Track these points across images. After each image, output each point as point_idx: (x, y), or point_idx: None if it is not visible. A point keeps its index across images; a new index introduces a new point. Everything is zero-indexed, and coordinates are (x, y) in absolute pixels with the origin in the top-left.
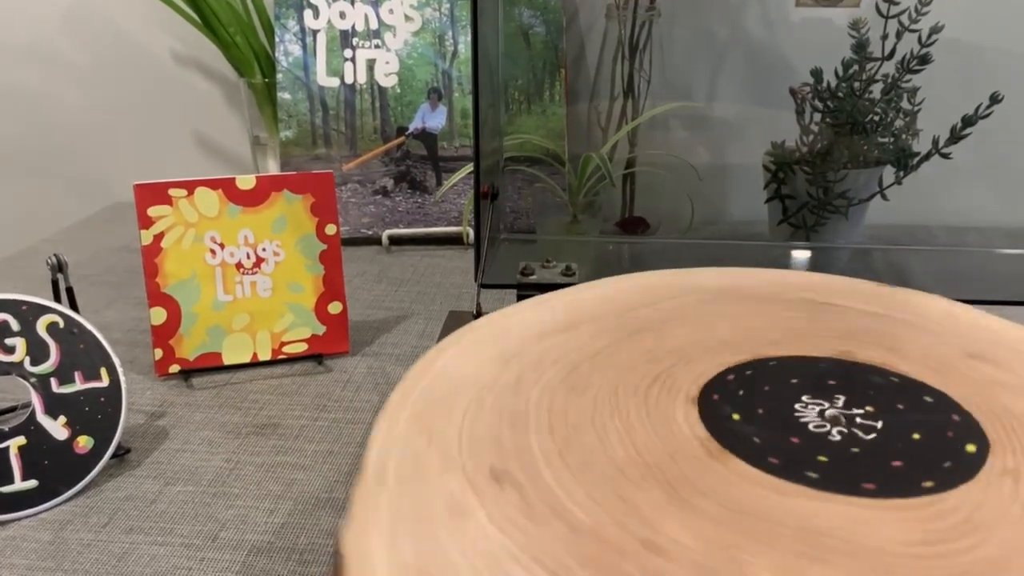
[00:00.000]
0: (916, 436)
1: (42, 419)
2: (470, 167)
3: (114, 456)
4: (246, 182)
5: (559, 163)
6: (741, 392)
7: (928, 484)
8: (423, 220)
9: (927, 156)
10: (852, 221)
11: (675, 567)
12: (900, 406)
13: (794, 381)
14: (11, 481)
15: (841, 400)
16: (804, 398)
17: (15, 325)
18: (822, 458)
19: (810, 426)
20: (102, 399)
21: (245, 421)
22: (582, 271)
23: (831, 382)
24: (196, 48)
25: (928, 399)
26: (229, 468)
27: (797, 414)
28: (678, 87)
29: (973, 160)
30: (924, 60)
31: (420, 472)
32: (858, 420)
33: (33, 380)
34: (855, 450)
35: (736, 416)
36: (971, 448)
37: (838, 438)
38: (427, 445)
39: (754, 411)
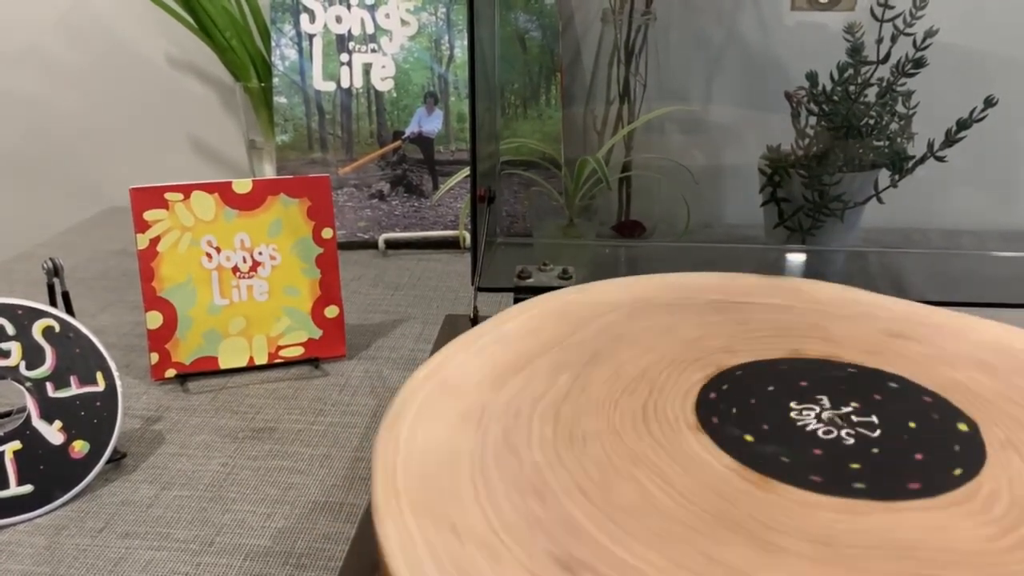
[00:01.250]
0: (912, 424)
1: (37, 424)
2: (466, 171)
3: (110, 461)
4: (242, 186)
5: (555, 167)
6: (734, 410)
7: (957, 472)
8: (419, 224)
9: (922, 159)
10: (847, 224)
11: None
12: (876, 396)
13: (771, 388)
14: (6, 486)
15: (825, 400)
16: (792, 404)
17: (10, 329)
18: (854, 465)
19: (819, 433)
20: (98, 403)
21: (242, 425)
22: (578, 274)
23: (803, 383)
24: (192, 52)
25: (893, 385)
26: (226, 472)
27: (799, 423)
28: (674, 91)
29: (968, 163)
30: (919, 64)
31: None
32: (854, 419)
33: (28, 384)
34: (875, 451)
35: (749, 438)
36: (963, 427)
37: (851, 441)
38: (459, 544)
39: (760, 428)
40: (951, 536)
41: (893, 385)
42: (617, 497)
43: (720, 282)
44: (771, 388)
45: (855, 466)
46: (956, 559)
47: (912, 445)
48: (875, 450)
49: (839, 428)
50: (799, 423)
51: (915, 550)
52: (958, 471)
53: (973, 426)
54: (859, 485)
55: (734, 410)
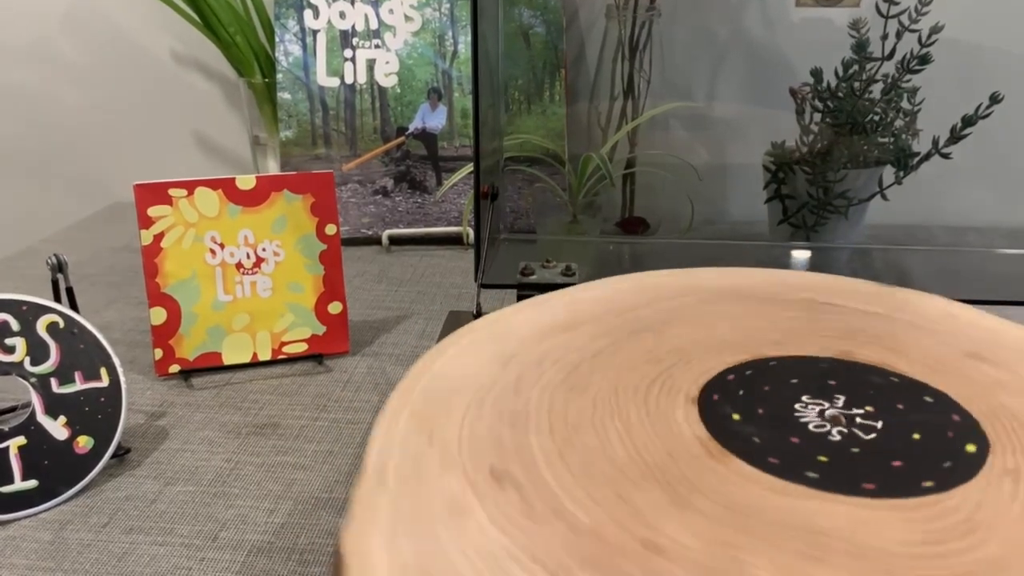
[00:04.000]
0: (916, 436)
1: (42, 419)
2: (470, 167)
3: (114, 456)
4: (246, 182)
5: (559, 163)
6: (741, 392)
7: (928, 484)
8: (423, 220)
9: (927, 156)
10: (852, 221)
11: (675, 567)
12: (900, 406)
13: (794, 381)
14: (11, 481)
15: (841, 400)
16: (804, 398)
17: (15, 325)
18: (822, 458)
19: (810, 426)
20: (102, 399)
21: (245, 421)
22: (582, 271)
23: (831, 382)
24: (196, 48)
25: (928, 399)
26: (229, 468)
27: (797, 414)
28: (678, 87)
29: (973, 160)
30: (924, 60)
31: (420, 472)
32: (858, 420)
33: (33, 380)
34: (855, 450)
35: (736, 416)
36: (971, 448)
37: (838, 438)
38: (427, 445)
39: (754, 411)
40: (869, 532)
41: (928, 399)
42: (577, 439)
43: (828, 283)
44: (794, 381)
45: (822, 459)
46: (854, 550)
47: (898, 453)
48: (855, 450)
49: (834, 425)
50: (797, 414)
51: (821, 536)
52: (929, 483)
53: (984, 449)
54: (812, 475)
55: (741, 392)
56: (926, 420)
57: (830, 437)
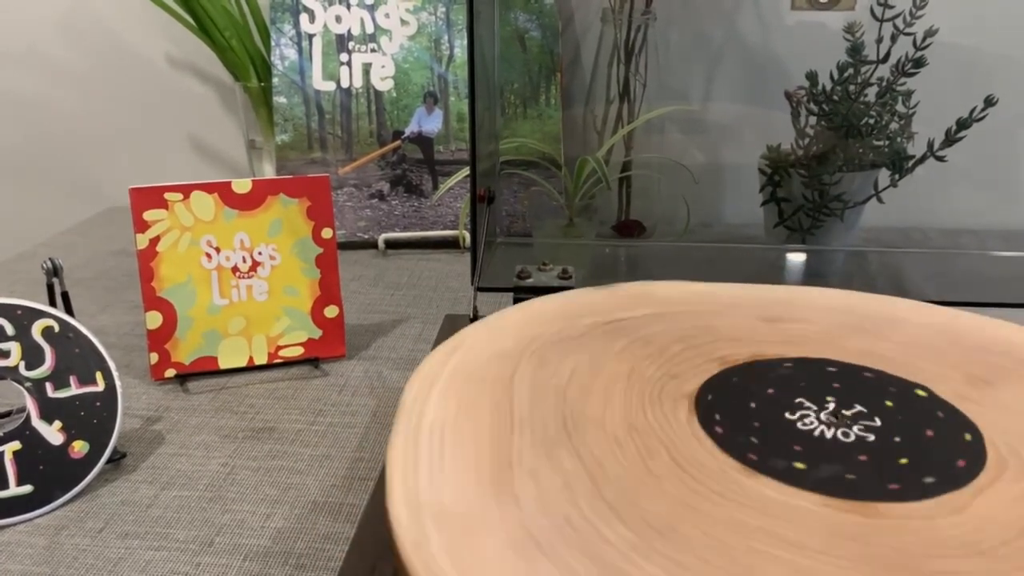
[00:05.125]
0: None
1: (37, 424)
2: (466, 171)
3: (110, 461)
4: (242, 186)
5: (555, 166)
6: (747, 378)
7: (893, 487)
8: (419, 224)
9: (922, 159)
10: (847, 224)
11: None
12: (900, 417)
13: (802, 384)
14: (6, 486)
15: (857, 407)
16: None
17: (10, 329)
18: (796, 447)
19: (800, 421)
20: (97, 403)
21: (241, 425)
22: (578, 274)
23: (840, 386)
24: (192, 52)
25: (940, 415)
26: (225, 472)
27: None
28: (674, 90)
29: (968, 163)
30: (919, 63)
31: None
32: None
33: (28, 385)
34: (832, 449)
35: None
36: (960, 463)
37: (828, 435)
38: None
39: (750, 399)
40: (790, 518)
41: (940, 415)
42: (573, 391)
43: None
44: (802, 384)
45: (796, 448)
46: (772, 533)
47: (878, 458)
48: (833, 449)
49: (828, 425)
50: (796, 411)
51: (759, 514)
52: (894, 486)
53: (973, 466)
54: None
55: (748, 379)
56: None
57: (811, 431)
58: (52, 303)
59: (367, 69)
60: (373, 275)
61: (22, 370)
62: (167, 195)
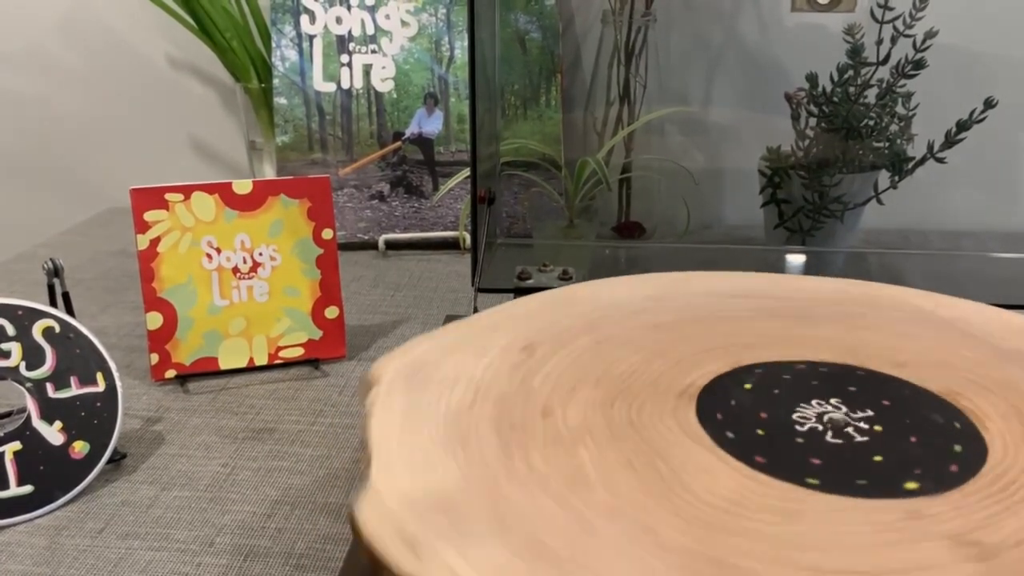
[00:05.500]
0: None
1: (37, 424)
2: (466, 172)
3: (110, 461)
4: (243, 187)
5: (555, 168)
6: (758, 371)
7: (861, 482)
8: (420, 225)
9: (922, 160)
10: (847, 225)
11: None
12: (907, 420)
13: (814, 383)
14: (6, 486)
15: (867, 410)
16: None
17: (11, 330)
18: (771, 442)
19: (797, 418)
20: (98, 404)
21: (241, 426)
22: (579, 275)
23: (855, 389)
24: (192, 53)
25: (957, 425)
26: (226, 473)
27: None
28: (674, 92)
29: (967, 165)
30: (919, 65)
31: None
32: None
33: (28, 385)
34: (814, 444)
35: (730, 403)
36: (953, 468)
37: (818, 430)
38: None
39: (745, 392)
40: (746, 505)
41: (957, 426)
42: (573, 370)
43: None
44: (814, 383)
45: (767, 441)
46: (731, 524)
47: (863, 456)
48: (816, 445)
49: (825, 425)
50: (798, 408)
51: (732, 505)
52: (862, 481)
53: (967, 469)
54: (746, 456)
55: (759, 372)
56: (925, 436)
57: (798, 426)
58: (53, 303)
59: (367, 70)
60: (373, 276)
61: (23, 370)
62: (168, 196)
